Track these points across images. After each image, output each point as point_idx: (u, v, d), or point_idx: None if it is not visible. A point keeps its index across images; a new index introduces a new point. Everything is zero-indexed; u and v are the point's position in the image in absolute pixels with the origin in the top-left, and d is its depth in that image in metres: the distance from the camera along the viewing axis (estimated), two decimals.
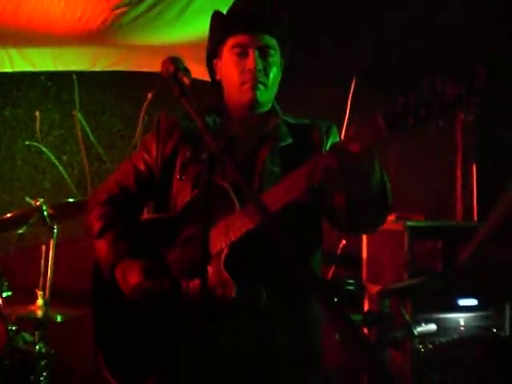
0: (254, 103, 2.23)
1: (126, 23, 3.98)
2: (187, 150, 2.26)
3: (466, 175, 5.88)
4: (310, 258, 2.23)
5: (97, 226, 2.30)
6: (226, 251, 2.02)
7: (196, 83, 2.02)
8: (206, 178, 1.82)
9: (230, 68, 2.25)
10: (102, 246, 2.27)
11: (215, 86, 2.33)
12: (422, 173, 5.74)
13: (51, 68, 4.79)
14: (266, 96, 2.25)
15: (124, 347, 2.22)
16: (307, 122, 2.32)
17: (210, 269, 2.01)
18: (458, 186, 5.92)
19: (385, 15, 4.56)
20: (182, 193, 2.22)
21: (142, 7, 3.86)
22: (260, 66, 2.19)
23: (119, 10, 3.83)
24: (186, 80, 1.96)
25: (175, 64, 1.99)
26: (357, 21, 4.55)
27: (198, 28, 4.14)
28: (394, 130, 1.76)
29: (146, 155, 2.34)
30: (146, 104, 4.81)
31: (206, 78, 3.86)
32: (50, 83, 5.00)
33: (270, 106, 2.30)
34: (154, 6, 3.86)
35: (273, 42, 2.24)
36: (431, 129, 1.70)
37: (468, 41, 4.83)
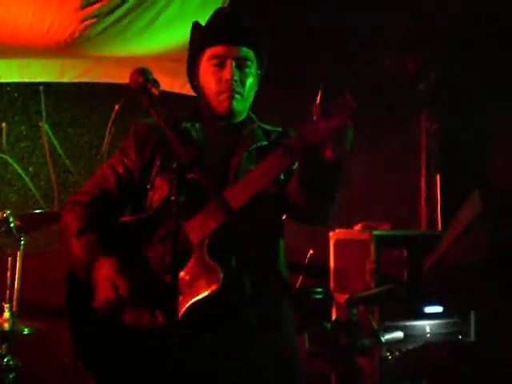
0: (231, 112, 2.30)
1: (94, 35, 3.99)
2: (162, 155, 2.31)
3: (430, 185, 5.97)
4: (273, 249, 2.29)
5: (77, 226, 2.28)
6: (207, 241, 2.07)
7: (165, 94, 2.05)
8: (175, 189, 1.85)
9: (207, 78, 2.30)
10: (80, 245, 2.25)
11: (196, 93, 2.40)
12: (386, 183, 5.82)
13: (18, 79, 4.77)
14: (242, 105, 2.32)
15: (104, 355, 2.22)
16: (280, 129, 2.40)
17: (192, 260, 2.07)
18: (422, 195, 6.01)
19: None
20: (158, 193, 2.25)
21: (111, 19, 3.88)
22: (237, 77, 2.26)
23: (88, 22, 3.83)
24: (154, 91, 2.00)
25: (144, 75, 2.03)
26: None
27: (165, 40, 4.17)
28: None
29: (124, 159, 2.37)
30: (113, 115, 4.82)
31: (173, 89, 3.91)
32: (16, 94, 4.96)
33: (245, 114, 2.36)
34: (122, 17, 3.88)
35: (250, 53, 2.31)
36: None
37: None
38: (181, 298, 1.99)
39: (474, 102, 5.50)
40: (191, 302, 2.03)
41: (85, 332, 2.26)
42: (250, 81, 2.30)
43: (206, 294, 2.03)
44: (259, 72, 2.37)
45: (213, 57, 2.28)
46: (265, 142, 2.33)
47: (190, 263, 2.08)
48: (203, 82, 2.32)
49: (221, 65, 2.26)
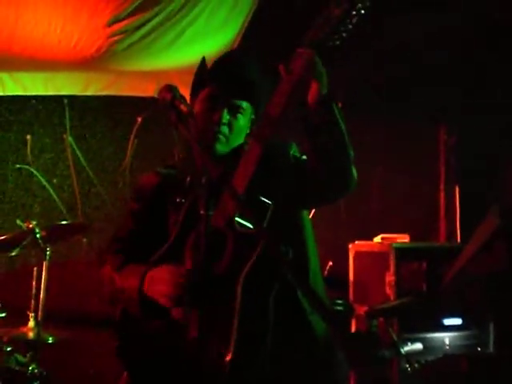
0: (212, 152, 2.31)
1: (120, 50, 4.05)
2: (172, 187, 2.37)
3: (449, 197, 5.99)
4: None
5: (115, 265, 2.35)
6: (233, 220, 2.11)
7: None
8: (205, 203, 1.91)
9: (199, 113, 2.33)
10: (124, 275, 2.30)
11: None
12: (406, 195, 5.84)
13: (42, 92, 4.86)
14: (225, 148, 2.33)
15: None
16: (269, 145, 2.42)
17: (229, 243, 2.11)
18: (442, 207, 6.03)
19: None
20: (175, 221, 2.31)
21: (138, 35, 3.94)
22: (226, 120, 2.29)
23: (115, 38, 3.90)
24: (183, 107, 2.04)
25: (172, 92, 2.07)
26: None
27: (189, 55, 4.23)
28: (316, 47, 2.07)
29: (136, 210, 2.46)
30: (136, 128, 4.89)
31: None
32: (41, 107, 5.06)
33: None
34: (148, 34, 3.94)
35: (244, 103, 2.34)
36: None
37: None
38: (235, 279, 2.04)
39: (491, 115, 5.51)
40: (246, 269, 2.05)
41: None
42: (238, 125, 2.32)
43: (255, 254, 2.05)
44: (253, 117, 2.39)
45: (208, 96, 2.32)
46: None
47: (228, 248, 2.11)
48: (195, 114, 2.32)
49: (214, 106, 2.30)
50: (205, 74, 2.39)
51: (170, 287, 2.14)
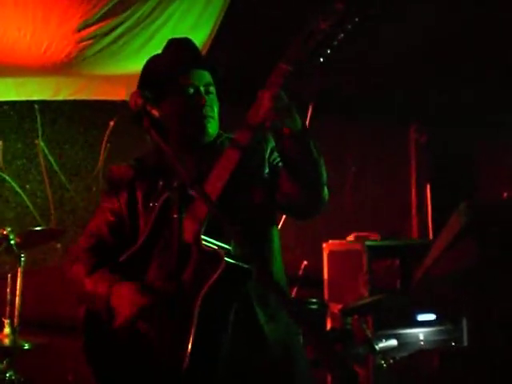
0: (206, 136, 2.36)
1: (90, 55, 4.05)
2: (143, 188, 2.38)
3: (421, 194, 6.07)
4: (268, 253, 2.35)
5: (85, 268, 2.35)
6: (201, 234, 2.10)
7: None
8: (177, 207, 1.92)
9: (178, 107, 2.35)
10: (94, 281, 2.29)
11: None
12: (378, 194, 5.91)
13: (13, 97, 4.83)
14: (215, 128, 2.39)
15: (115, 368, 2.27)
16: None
17: (192, 258, 2.11)
18: (414, 205, 6.10)
19: None
20: (148, 220, 2.32)
21: (107, 40, 3.94)
22: (208, 102, 2.34)
23: (84, 43, 3.90)
24: (155, 112, 2.05)
25: (144, 97, 2.08)
26: None
27: None
28: (295, 66, 2.04)
29: (108, 204, 2.44)
30: (108, 132, 4.90)
31: None
32: (12, 112, 5.03)
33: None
34: (118, 39, 3.94)
35: (211, 79, 2.39)
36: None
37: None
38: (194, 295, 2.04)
39: (462, 114, 5.60)
40: (205, 290, 2.04)
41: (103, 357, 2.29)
42: (216, 104, 2.38)
43: (214, 277, 2.04)
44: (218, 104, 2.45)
45: (183, 85, 2.33)
46: None
47: (191, 261, 2.11)
48: (174, 112, 2.34)
49: (192, 92, 2.32)
50: (166, 69, 2.38)
51: (127, 309, 2.15)
